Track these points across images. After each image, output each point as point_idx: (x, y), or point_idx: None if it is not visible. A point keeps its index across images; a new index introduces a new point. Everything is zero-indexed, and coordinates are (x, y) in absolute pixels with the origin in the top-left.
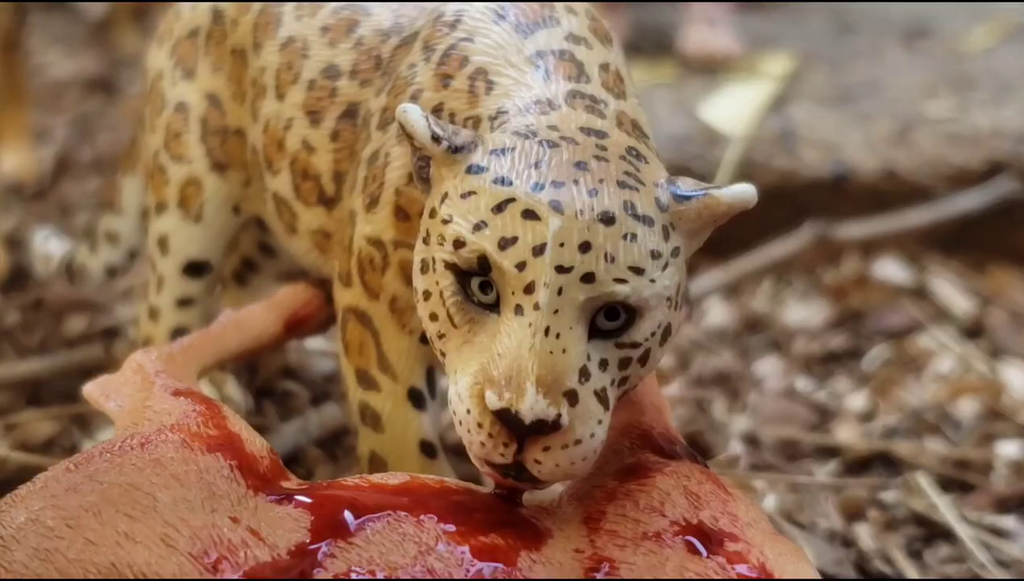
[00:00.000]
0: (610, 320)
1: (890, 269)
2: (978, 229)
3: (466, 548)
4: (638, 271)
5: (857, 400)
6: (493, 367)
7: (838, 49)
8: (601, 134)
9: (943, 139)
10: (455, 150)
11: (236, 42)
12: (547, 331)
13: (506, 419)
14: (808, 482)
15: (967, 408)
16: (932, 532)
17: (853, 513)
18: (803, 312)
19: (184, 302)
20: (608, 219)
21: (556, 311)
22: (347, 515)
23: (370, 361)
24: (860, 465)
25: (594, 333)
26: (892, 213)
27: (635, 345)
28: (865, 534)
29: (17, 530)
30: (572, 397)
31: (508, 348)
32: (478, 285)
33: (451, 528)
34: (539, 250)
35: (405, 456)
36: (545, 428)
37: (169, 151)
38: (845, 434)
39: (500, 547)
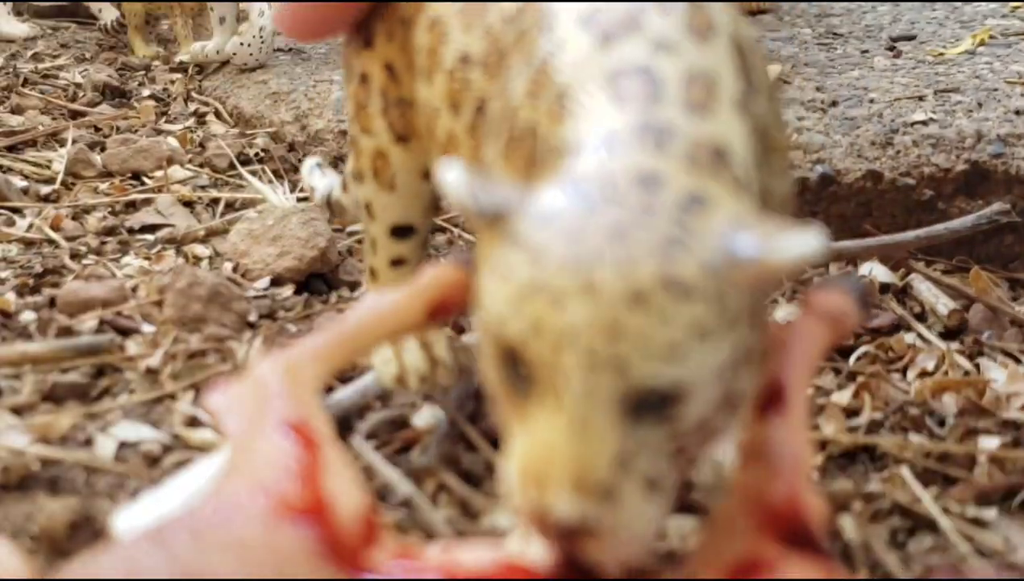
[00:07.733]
0: (652, 402)
1: (875, 271)
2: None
3: None
4: (676, 353)
5: (843, 396)
6: (528, 459)
7: (826, 55)
8: (655, 182)
9: (926, 143)
10: (492, 217)
11: (403, 13)
12: (579, 423)
13: (543, 519)
14: None
15: (950, 404)
16: (915, 524)
17: (838, 505)
18: (792, 312)
19: (397, 262)
20: (641, 298)
21: (587, 402)
22: None
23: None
24: (846, 459)
25: (635, 416)
26: (884, 233)
27: (683, 422)
28: (850, 525)
29: None
30: (610, 490)
31: (540, 441)
32: (517, 363)
33: None
34: (565, 338)
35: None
36: (581, 528)
37: (358, 123)
38: (831, 429)
39: None
